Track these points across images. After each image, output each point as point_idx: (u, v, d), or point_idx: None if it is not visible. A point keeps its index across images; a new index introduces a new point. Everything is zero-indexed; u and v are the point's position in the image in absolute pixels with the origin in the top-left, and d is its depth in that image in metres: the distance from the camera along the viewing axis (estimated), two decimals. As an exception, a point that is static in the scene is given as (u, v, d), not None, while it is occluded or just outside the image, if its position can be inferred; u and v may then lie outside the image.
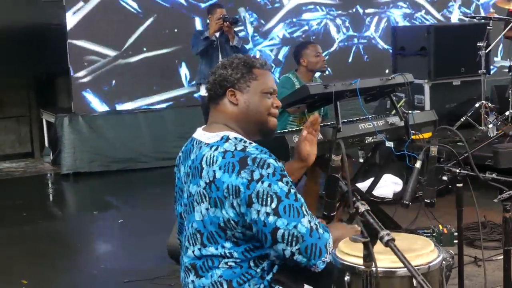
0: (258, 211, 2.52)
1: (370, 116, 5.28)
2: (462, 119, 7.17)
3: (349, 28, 10.48)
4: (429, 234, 5.27)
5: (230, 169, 2.56)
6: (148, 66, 9.19)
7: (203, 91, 8.02)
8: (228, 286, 2.63)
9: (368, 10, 10.60)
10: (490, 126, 6.80)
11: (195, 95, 8.93)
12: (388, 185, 6.38)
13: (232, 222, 2.57)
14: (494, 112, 7.12)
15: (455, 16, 11.27)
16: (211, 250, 2.63)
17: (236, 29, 8.21)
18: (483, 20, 8.09)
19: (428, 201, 2.75)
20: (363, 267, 2.12)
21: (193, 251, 2.68)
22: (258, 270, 2.65)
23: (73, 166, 8.55)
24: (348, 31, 10.49)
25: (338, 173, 2.31)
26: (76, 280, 5.13)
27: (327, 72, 7.81)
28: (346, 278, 2.52)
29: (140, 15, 9.12)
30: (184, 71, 9.44)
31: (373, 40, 10.67)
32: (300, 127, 5.68)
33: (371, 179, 6.32)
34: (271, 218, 2.51)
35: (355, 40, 10.53)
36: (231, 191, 2.55)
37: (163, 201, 7.36)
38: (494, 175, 2.62)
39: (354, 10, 10.50)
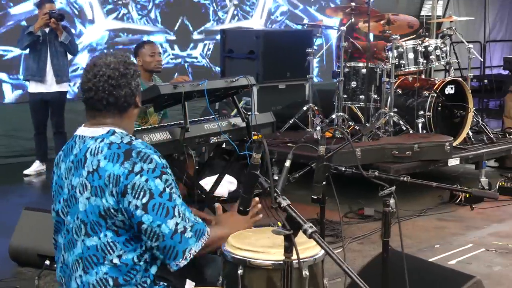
0: (129, 202, 2.58)
1: (215, 117, 5.41)
2: (290, 121, 7.50)
3: (174, 47, 10.45)
4: (269, 231, 5.46)
5: (115, 159, 2.61)
6: None
7: (32, 88, 7.79)
8: (114, 282, 2.64)
9: (197, 36, 10.61)
10: (318, 128, 7.17)
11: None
12: (224, 184, 6.52)
13: (112, 210, 2.60)
14: (319, 115, 7.51)
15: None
16: (95, 240, 2.64)
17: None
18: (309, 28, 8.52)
19: (315, 197, 2.91)
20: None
21: (82, 241, 2.67)
22: (142, 263, 2.68)
23: None
24: (174, 50, 10.44)
25: (257, 170, 2.39)
26: None
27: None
28: (239, 271, 2.62)
29: None
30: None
31: (200, 60, 10.68)
32: (142, 127, 5.68)
33: (209, 178, 6.47)
34: (139, 212, 2.57)
35: (180, 59, 10.51)
36: (111, 179, 2.59)
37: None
38: (376, 173, 2.84)
39: (180, 29, 10.45)
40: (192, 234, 2.64)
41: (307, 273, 2.63)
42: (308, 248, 2.70)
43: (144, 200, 2.57)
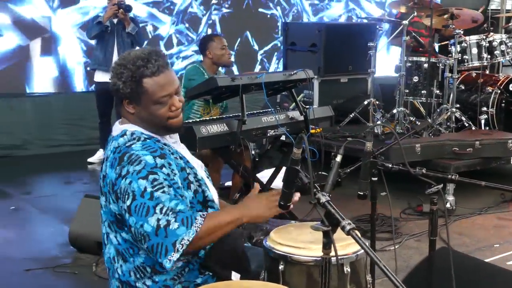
0: (121, 207, 2.61)
1: (273, 110, 5.42)
2: (351, 115, 7.46)
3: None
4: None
5: (112, 164, 2.65)
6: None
7: (98, 77, 7.96)
8: (152, 270, 2.70)
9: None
10: (378, 122, 7.11)
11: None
12: (281, 177, 6.50)
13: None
14: (380, 110, 7.44)
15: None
16: (123, 235, 2.70)
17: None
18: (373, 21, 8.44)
19: (362, 193, 2.90)
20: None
21: (115, 237, 2.74)
22: None
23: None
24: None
25: (297, 165, 2.41)
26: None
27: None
28: (280, 267, 2.64)
29: None
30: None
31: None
32: (203, 117, 5.76)
33: (268, 171, 6.49)
34: (126, 215, 2.59)
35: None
36: (110, 186, 2.64)
37: (54, 189, 7.28)
38: (423, 171, 2.81)
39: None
40: (179, 224, 2.52)
41: (349, 270, 2.63)
42: (349, 245, 2.69)
43: (128, 203, 2.57)
